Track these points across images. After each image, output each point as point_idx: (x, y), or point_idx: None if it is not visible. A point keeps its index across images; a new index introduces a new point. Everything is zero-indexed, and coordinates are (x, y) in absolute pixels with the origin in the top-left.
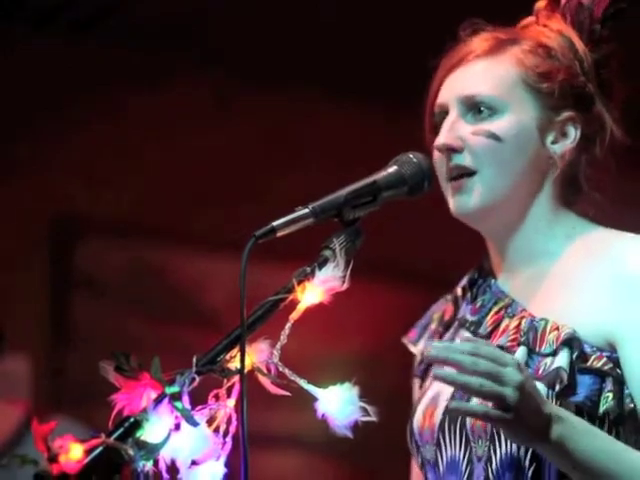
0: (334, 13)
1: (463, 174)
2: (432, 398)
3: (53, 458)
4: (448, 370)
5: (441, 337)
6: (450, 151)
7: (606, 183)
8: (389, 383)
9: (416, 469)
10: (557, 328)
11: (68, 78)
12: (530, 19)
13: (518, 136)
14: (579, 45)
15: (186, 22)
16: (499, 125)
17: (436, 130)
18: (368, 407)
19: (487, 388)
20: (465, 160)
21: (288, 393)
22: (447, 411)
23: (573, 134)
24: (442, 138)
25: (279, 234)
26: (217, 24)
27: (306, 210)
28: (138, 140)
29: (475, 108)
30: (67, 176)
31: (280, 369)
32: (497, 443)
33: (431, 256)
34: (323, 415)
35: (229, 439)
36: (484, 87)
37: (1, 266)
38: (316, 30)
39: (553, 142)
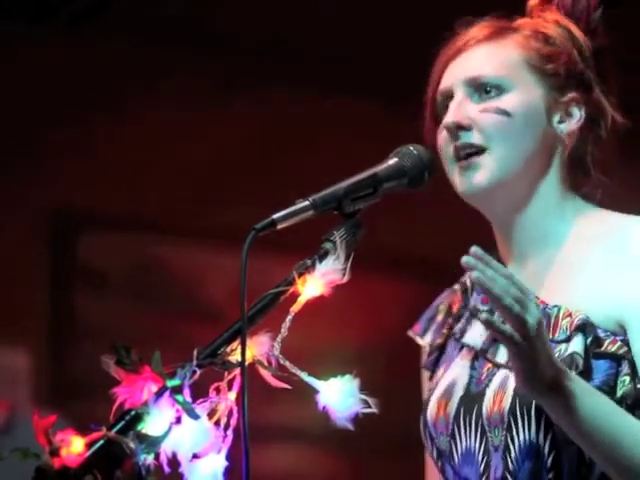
0: (334, 8)
1: (471, 153)
2: (446, 389)
3: (55, 451)
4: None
5: (451, 328)
6: (459, 129)
7: (612, 166)
8: (389, 375)
9: (430, 463)
10: (570, 314)
11: (67, 76)
12: (524, 19)
13: (527, 112)
14: (577, 33)
15: (186, 15)
16: (508, 101)
17: (438, 117)
18: (368, 399)
19: (516, 309)
20: (474, 137)
21: (289, 386)
22: (463, 401)
23: (578, 114)
24: (451, 117)
25: (279, 227)
26: (217, 19)
27: (306, 203)
28: (138, 136)
29: (481, 89)
30: (68, 172)
31: (281, 362)
32: (514, 431)
33: (433, 250)
34: (324, 407)
35: (230, 432)
36: (489, 68)
37: (2, 262)
38: (317, 25)
39: (559, 122)
